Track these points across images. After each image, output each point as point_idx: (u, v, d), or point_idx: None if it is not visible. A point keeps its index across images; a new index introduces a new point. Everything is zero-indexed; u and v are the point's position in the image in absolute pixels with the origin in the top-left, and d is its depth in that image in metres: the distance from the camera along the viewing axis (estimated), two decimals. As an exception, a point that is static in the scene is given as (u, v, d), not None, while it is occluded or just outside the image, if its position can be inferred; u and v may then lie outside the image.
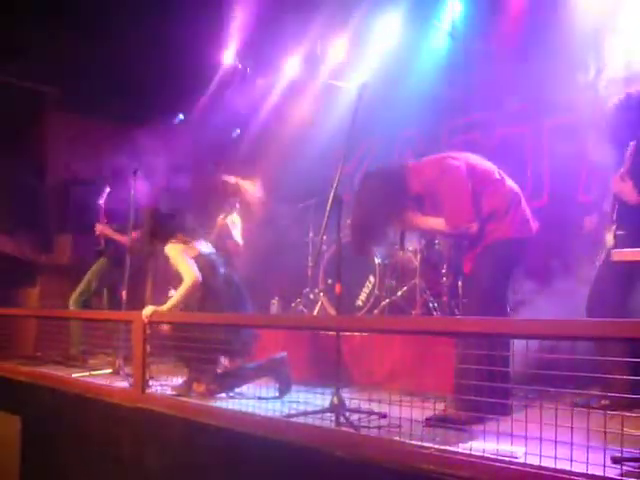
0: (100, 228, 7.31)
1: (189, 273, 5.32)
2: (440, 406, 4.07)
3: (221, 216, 6.70)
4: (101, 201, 7.46)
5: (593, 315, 4.45)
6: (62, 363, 6.98)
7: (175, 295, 5.29)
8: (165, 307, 5.21)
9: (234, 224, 6.79)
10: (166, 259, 5.51)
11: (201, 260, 5.46)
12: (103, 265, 7.40)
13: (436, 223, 4.48)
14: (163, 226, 5.60)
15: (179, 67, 8.85)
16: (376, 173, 4.67)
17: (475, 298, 4.47)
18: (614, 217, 4.56)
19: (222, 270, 5.57)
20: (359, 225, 4.59)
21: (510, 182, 4.48)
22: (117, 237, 7.21)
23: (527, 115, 7.30)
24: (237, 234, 6.80)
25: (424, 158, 4.64)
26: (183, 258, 5.39)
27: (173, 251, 5.43)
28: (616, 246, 4.38)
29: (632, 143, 4.29)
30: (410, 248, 6.94)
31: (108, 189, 7.49)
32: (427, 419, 3.89)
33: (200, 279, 5.33)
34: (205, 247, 5.66)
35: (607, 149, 4.70)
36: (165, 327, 5.41)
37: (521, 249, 4.45)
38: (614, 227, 4.53)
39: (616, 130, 4.57)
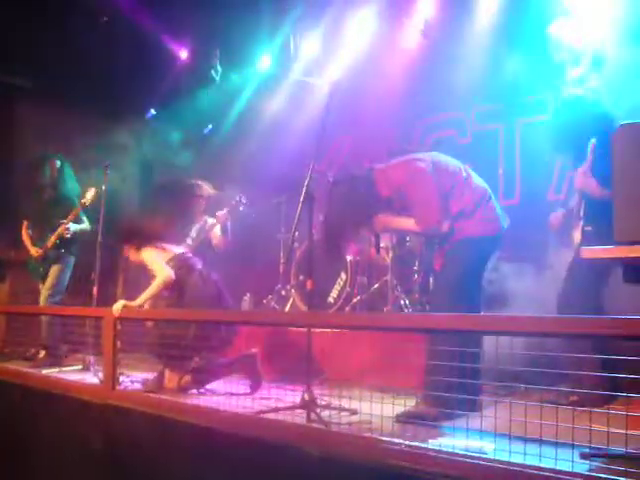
0: (65, 230, 6.98)
1: (162, 271, 5.37)
2: (410, 402, 4.09)
3: (223, 211, 6.70)
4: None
5: (563, 312, 4.49)
6: (30, 359, 6.91)
7: (147, 290, 5.30)
8: (136, 302, 5.21)
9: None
10: (141, 262, 5.54)
11: (176, 260, 5.51)
12: (64, 265, 7.22)
13: (407, 223, 4.51)
14: (141, 235, 5.63)
15: (152, 61, 8.81)
16: (345, 179, 4.71)
17: (442, 295, 4.49)
18: (581, 214, 4.60)
19: (199, 267, 5.58)
20: (330, 231, 4.62)
21: (477, 179, 4.51)
22: (82, 231, 7.09)
23: (499, 114, 7.35)
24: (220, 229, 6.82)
25: (390, 161, 4.66)
26: (156, 259, 5.46)
27: (147, 254, 5.50)
28: (584, 243, 4.41)
29: (593, 140, 4.33)
30: (382, 245, 6.96)
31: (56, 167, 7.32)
32: (398, 415, 3.90)
33: (173, 277, 5.36)
34: (177, 248, 5.69)
35: (569, 147, 4.77)
36: (147, 323, 5.44)
37: (490, 246, 4.49)
38: (581, 224, 4.57)
39: (572, 128, 4.63)
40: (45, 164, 7.25)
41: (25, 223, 7.33)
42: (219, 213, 6.78)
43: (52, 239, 7.03)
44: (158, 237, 5.64)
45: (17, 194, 8.29)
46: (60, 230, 6.97)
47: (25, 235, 7.29)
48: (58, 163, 7.26)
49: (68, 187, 7.20)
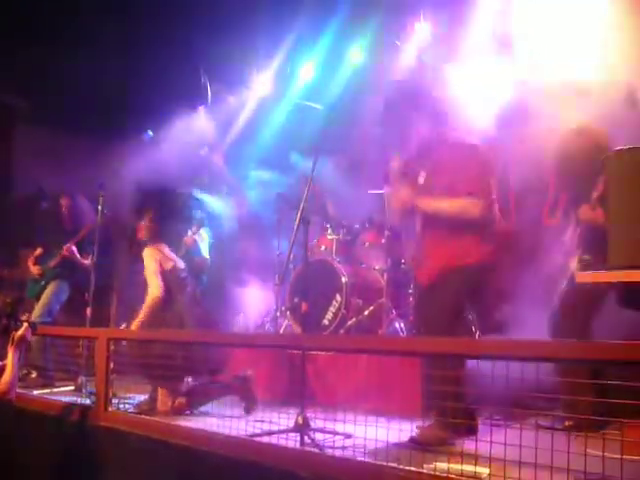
0: (67, 249, 7.13)
1: (154, 284, 5.40)
2: (405, 426, 4.06)
3: (189, 233, 6.65)
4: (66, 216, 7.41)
5: (556, 337, 4.48)
6: (22, 380, 6.86)
7: (141, 311, 5.30)
8: (134, 325, 5.22)
9: (202, 239, 6.75)
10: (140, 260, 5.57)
11: (174, 274, 5.49)
12: (59, 287, 7.25)
13: (452, 204, 4.31)
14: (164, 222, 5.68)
15: (149, 83, 8.83)
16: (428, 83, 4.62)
17: (436, 319, 4.40)
18: (579, 243, 4.60)
19: (189, 289, 5.58)
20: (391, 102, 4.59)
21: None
22: (81, 261, 7.11)
23: (494, 137, 7.35)
24: (204, 249, 6.77)
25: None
26: (154, 268, 5.45)
27: (149, 256, 5.49)
28: (581, 270, 4.41)
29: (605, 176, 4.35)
30: (377, 267, 6.97)
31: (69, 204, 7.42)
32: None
33: (163, 293, 5.34)
34: (180, 262, 5.66)
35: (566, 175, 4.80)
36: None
37: (484, 275, 4.43)
38: (579, 252, 4.57)
39: (569, 158, 4.67)
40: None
41: (38, 250, 7.40)
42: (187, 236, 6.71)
43: (57, 258, 7.14)
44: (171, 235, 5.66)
45: (13, 214, 8.32)
46: (65, 249, 7.05)
47: (31, 261, 7.38)
48: (69, 200, 7.42)
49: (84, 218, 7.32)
